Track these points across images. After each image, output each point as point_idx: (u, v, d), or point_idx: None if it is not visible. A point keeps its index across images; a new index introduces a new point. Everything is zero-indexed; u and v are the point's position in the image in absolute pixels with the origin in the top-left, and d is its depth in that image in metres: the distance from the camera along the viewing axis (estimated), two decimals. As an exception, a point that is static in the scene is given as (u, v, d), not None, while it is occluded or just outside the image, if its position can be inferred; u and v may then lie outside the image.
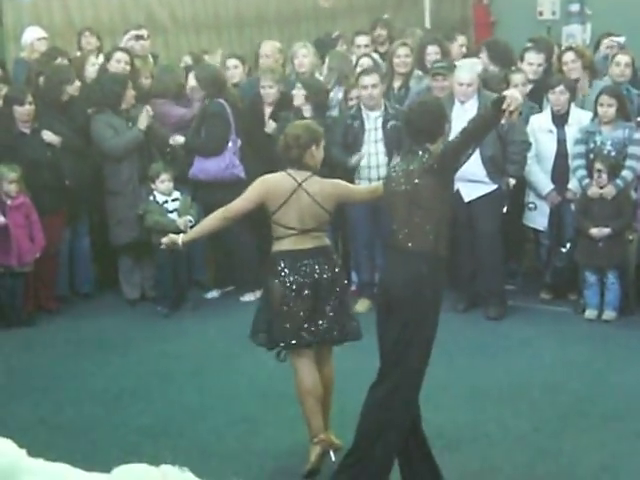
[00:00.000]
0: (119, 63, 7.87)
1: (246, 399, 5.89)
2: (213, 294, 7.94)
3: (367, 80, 7.32)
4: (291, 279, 4.83)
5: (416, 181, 4.46)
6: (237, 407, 5.77)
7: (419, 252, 4.46)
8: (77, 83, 7.60)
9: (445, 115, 4.76)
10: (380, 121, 7.34)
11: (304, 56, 8.34)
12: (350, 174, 7.27)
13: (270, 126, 7.72)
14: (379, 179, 7.13)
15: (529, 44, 8.34)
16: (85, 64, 8.07)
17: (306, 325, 4.84)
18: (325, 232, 4.99)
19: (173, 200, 7.49)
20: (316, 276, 4.84)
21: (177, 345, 6.89)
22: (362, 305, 7.36)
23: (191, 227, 7.40)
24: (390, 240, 4.62)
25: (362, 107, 7.42)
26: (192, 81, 7.88)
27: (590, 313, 7.17)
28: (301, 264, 4.83)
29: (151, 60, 8.51)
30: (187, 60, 8.57)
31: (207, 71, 7.86)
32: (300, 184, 4.83)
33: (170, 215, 7.43)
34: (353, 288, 7.64)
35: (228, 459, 5.07)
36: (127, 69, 7.88)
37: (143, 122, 7.55)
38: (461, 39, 9.20)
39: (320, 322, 4.86)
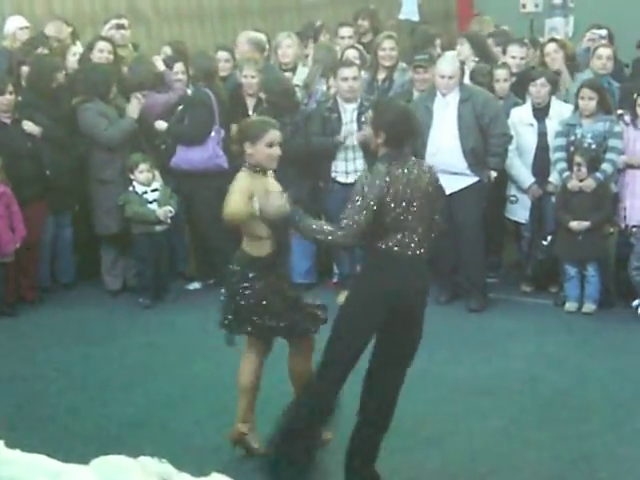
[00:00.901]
0: (102, 53, 7.83)
1: (228, 391, 5.86)
2: (195, 285, 7.92)
3: (347, 72, 7.28)
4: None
5: (430, 189, 4.51)
6: (219, 399, 5.76)
7: (425, 259, 4.54)
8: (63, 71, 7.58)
9: (411, 111, 4.76)
10: (356, 113, 7.32)
11: (288, 46, 8.31)
12: (328, 164, 7.28)
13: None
14: (356, 172, 7.15)
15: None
16: (66, 54, 8.02)
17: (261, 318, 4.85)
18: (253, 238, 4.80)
19: (153, 190, 7.46)
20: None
21: (159, 336, 6.87)
22: (343, 297, 7.37)
23: (171, 217, 7.42)
24: (401, 248, 4.44)
25: (338, 99, 7.39)
26: (178, 69, 7.93)
27: (570, 306, 7.20)
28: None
29: (132, 49, 8.46)
30: (167, 51, 8.52)
31: (206, 60, 7.87)
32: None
33: (150, 205, 7.40)
34: (334, 280, 7.65)
35: (209, 451, 5.06)
36: (110, 58, 7.84)
37: (135, 110, 7.53)
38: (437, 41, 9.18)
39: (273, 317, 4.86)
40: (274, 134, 4.82)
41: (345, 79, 7.27)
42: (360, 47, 8.79)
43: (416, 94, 7.67)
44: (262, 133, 4.79)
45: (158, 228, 7.44)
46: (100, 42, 7.93)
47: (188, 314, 7.30)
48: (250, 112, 7.78)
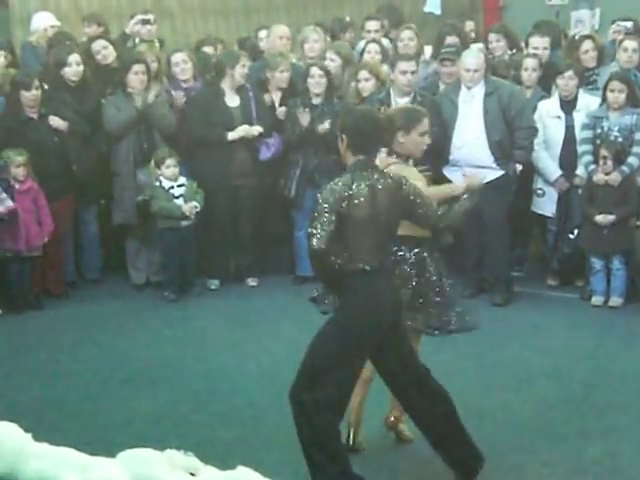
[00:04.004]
0: (99, 54, 7.87)
1: (252, 384, 5.90)
2: (215, 283, 7.85)
3: (405, 66, 7.20)
4: None
5: (397, 198, 4.32)
6: (243, 392, 5.78)
7: (390, 270, 4.51)
8: (76, 67, 7.52)
9: (378, 117, 4.54)
10: None
11: (315, 41, 8.29)
12: None
13: (281, 112, 7.73)
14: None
15: (533, 29, 8.35)
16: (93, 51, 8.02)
17: None
18: None
19: (179, 186, 7.48)
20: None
21: (184, 330, 6.90)
22: None
23: (196, 213, 7.44)
24: (379, 261, 4.33)
25: (391, 92, 7.29)
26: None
27: (596, 299, 7.16)
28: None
29: (157, 45, 8.48)
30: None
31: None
32: None
33: (176, 201, 7.42)
34: None
35: (233, 444, 5.07)
36: (107, 54, 7.85)
37: (152, 95, 7.56)
38: (469, 24, 9.20)
39: None
40: (427, 123, 4.81)
41: (404, 72, 7.17)
42: (385, 41, 8.79)
43: (442, 87, 7.65)
44: (417, 122, 4.75)
45: (184, 223, 7.46)
46: (94, 43, 7.95)
47: (213, 308, 7.33)
48: (277, 106, 7.80)
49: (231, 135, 7.49)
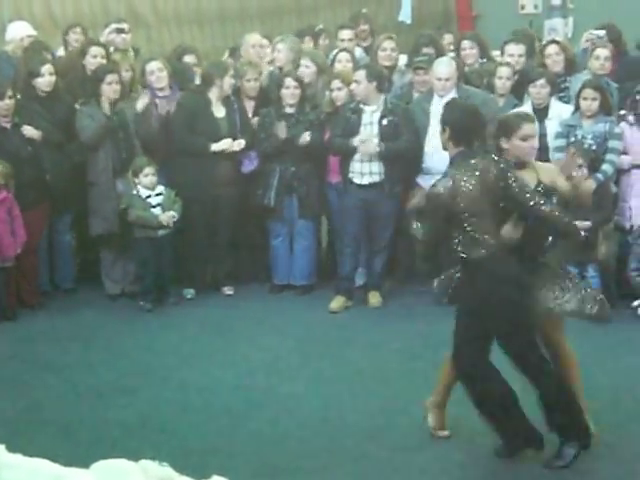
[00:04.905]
0: (95, 58, 7.83)
1: (228, 394, 5.90)
2: (191, 292, 7.83)
3: (354, 75, 7.31)
4: None
5: (501, 185, 4.64)
6: (219, 402, 5.77)
7: (507, 252, 4.77)
8: (49, 78, 7.47)
9: (477, 109, 4.97)
10: (377, 116, 7.27)
11: (279, 51, 8.31)
12: (344, 169, 7.32)
13: (255, 122, 7.74)
14: (371, 174, 7.17)
15: (510, 37, 8.40)
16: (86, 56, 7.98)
17: None
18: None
19: (157, 195, 7.45)
20: None
21: (159, 340, 6.88)
22: (336, 304, 7.35)
23: (174, 222, 7.41)
24: (499, 244, 4.66)
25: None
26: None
27: (571, 306, 7.19)
28: None
29: (132, 54, 8.45)
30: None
31: None
32: None
33: (153, 210, 7.39)
34: None
35: (210, 454, 5.06)
36: (103, 62, 7.83)
37: (140, 104, 7.52)
38: (448, 37, 9.24)
39: None
40: (528, 128, 4.98)
41: (354, 81, 7.29)
42: (359, 50, 8.82)
43: (416, 96, 7.68)
44: (516, 128, 4.94)
45: (160, 232, 7.42)
46: (93, 47, 7.92)
47: (189, 317, 7.31)
48: (250, 115, 7.80)
49: (215, 147, 7.48)
